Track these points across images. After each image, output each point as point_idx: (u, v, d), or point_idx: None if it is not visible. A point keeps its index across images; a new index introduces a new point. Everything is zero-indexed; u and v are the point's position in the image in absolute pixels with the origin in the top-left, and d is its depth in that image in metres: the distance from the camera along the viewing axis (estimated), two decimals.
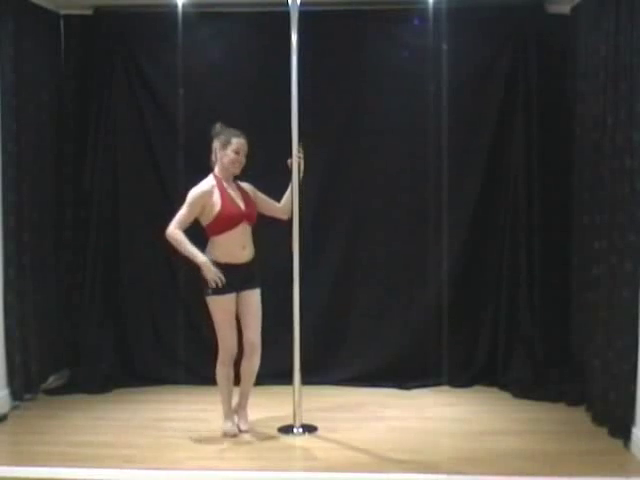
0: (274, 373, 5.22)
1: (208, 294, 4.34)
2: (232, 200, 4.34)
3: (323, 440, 4.38)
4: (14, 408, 4.85)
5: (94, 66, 5.46)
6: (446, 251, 5.40)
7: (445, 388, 5.36)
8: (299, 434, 4.44)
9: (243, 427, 4.47)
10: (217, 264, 4.29)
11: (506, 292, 5.34)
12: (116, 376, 5.41)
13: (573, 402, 4.89)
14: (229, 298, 4.36)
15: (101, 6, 5.41)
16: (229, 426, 4.44)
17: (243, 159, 4.38)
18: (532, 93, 5.25)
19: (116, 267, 5.53)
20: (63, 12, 5.48)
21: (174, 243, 4.32)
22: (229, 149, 4.35)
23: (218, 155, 4.38)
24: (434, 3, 5.21)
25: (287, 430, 4.48)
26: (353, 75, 5.43)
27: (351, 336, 5.52)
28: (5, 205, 4.78)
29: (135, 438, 4.41)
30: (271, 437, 4.42)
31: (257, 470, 3.98)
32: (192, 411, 4.90)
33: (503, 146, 5.36)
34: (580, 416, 4.71)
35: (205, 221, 4.34)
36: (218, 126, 4.42)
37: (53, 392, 5.26)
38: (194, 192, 4.33)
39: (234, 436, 4.40)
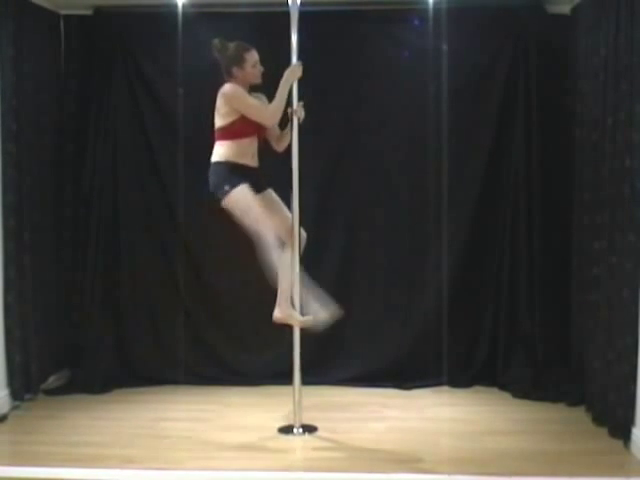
0: (274, 373, 5.24)
1: (227, 191, 4.27)
2: None
3: (323, 440, 4.38)
4: (14, 408, 4.85)
5: (94, 66, 5.46)
6: (446, 251, 5.40)
7: (445, 388, 5.35)
8: (299, 434, 4.44)
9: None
10: (232, 163, 4.29)
11: (506, 292, 5.34)
12: (116, 376, 5.40)
13: (573, 402, 4.89)
14: (249, 187, 4.31)
15: (101, 6, 5.41)
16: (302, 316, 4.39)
17: (261, 67, 4.38)
18: (532, 93, 5.25)
19: (116, 267, 5.52)
20: (63, 12, 5.48)
21: (279, 107, 4.28)
22: (247, 66, 4.34)
23: (235, 73, 4.34)
24: (434, 3, 5.21)
25: (287, 430, 4.47)
26: (353, 75, 5.43)
27: (351, 336, 5.51)
28: (5, 205, 4.77)
29: (135, 438, 4.41)
30: (271, 437, 4.42)
31: (257, 470, 3.98)
32: (192, 411, 4.90)
33: (503, 146, 5.36)
34: (580, 416, 4.71)
35: (223, 121, 4.30)
36: (218, 42, 4.39)
37: (53, 392, 5.25)
38: (236, 88, 4.29)
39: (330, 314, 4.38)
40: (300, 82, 4.39)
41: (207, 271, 5.55)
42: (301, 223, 4.44)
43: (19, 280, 4.87)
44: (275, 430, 4.49)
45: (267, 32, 5.27)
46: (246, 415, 4.81)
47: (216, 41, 4.41)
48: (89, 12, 5.45)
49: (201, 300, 5.58)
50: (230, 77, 4.38)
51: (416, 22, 5.34)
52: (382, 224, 5.48)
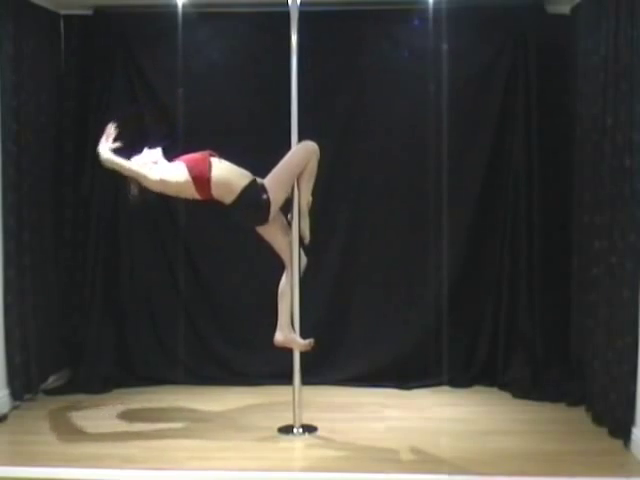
0: (274, 373, 5.24)
1: (267, 197, 4.28)
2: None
3: (323, 440, 4.38)
4: (14, 408, 4.85)
5: (94, 66, 5.46)
6: (446, 251, 5.40)
7: (445, 388, 5.35)
8: (299, 434, 4.44)
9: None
10: (246, 186, 4.29)
11: (506, 292, 5.34)
12: (116, 376, 5.41)
13: (573, 402, 4.89)
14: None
15: (101, 6, 5.41)
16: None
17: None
18: (532, 93, 5.25)
19: (116, 267, 5.52)
20: (63, 12, 5.47)
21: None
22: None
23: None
24: (434, 3, 5.21)
25: (287, 430, 4.47)
26: (353, 75, 5.43)
27: (351, 336, 5.52)
28: (5, 205, 4.77)
29: (135, 438, 4.40)
30: (271, 437, 4.42)
31: (257, 470, 3.98)
32: (192, 411, 4.90)
33: (503, 146, 5.36)
34: (580, 416, 4.71)
35: (189, 187, 4.28)
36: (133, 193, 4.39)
37: (53, 392, 5.25)
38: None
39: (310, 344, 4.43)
40: (300, 82, 4.38)
41: (207, 271, 5.55)
42: None
43: (19, 280, 4.87)
44: (275, 430, 4.49)
45: (267, 32, 5.28)
46: (246, 415, 4.81)
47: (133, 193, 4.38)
48: (89, 12, 5.45)
49: (201, 300, 5.58)
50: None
51: (416, 22, 5.34)
52: (382, 224, 5.48)
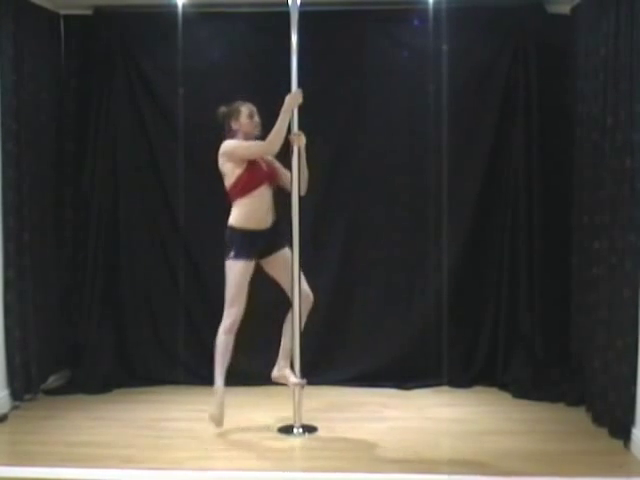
0: None
1: (230, 257, 4.34)
2: (254, 161, 4.39)
3: (323, 440, 4.38)
4: (14, 408, 4.85)
5: (94, 66, 5.47)
6: (446, 251, 5.40)
7: (445, 388, 5.36)
8: (299, 434, 4.44)
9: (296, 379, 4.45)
10: (242, 230, 4.32)
11: (506, 292, 5.34)
12: (116, 376, 5.41)
13: (573, 402, 4.89)
14: (248, 265, 4.36)
15: (101, 6, 5.41)
16: (218, 411, 4.38)
17: (258, 119, 4.45)
18: (532, 93, 5.25)
19: (116, 267, 5.53)
20: (63, 12, 5.48)
21: (279, 132, 4.28)
22: (242, 117, 4.42)
23: (236, 128, 4.43)
24: (434, 3, 5.21)
25: (287, 430, 4.47)
26: (353, 75, 5.44)
27: (351, 336, 5.52)
28: (5, 205, 4.77)
29: (135, 438, 4.41)
30: (271, 437, 4.42)
31: (257, 470, 3.98)
32: (192, 411, 4.90)
33: (503, 146, 5.36)
34: (580, 416, 4.71)
35: (229, 181, 4.36)
36: (223, 108, 4.48)
37: (53, 392, 5.26)
38: (229, 141, 4.38)
39: (219, 424, 4.37)
40: (301, 83, 4.39)
41: (207, 271, 5.55)
42: (301, 222, 4.44)
43: (19, 280, 4.88)
44: (275, 430, 4.49)
45: (267, 32, 5.28)
46: (246, 415, 4.81)
47: (222, 108, 4.48)
48: (89, 12, 5.45)
49: (201, 300, 5.58)
50: (230, 133, 4.44)
51: (416, 22, 5.34)
52: (382, 224, 5.48)
